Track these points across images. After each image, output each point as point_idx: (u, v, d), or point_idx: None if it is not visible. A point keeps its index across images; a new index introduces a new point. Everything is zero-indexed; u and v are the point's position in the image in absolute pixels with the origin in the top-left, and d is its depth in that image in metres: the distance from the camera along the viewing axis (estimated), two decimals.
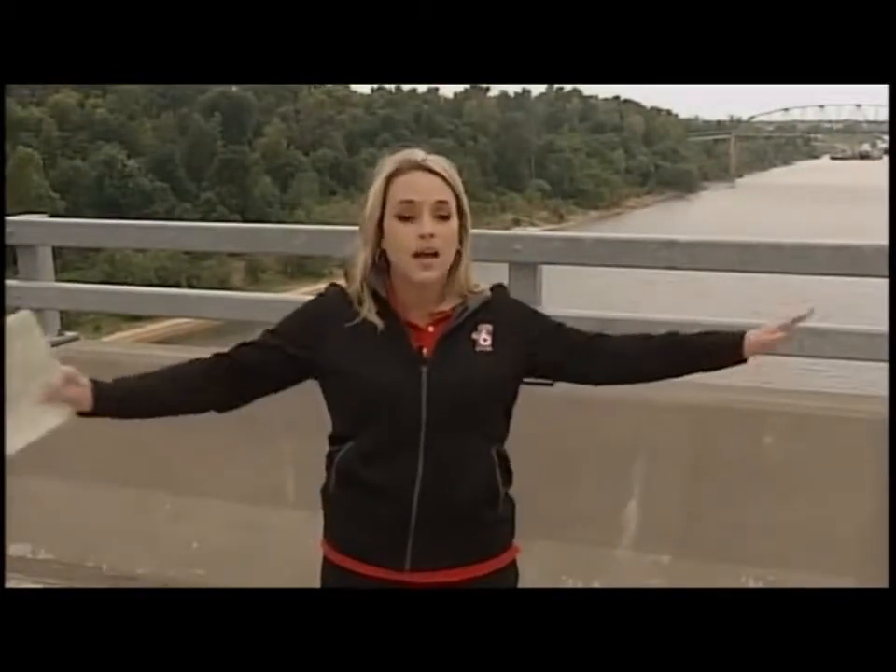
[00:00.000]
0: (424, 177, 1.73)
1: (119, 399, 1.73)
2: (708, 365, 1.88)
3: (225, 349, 1.84)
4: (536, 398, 3.43)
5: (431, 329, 1.77)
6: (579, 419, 3.44)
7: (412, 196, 1.72)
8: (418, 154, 1.76)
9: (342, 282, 1.83)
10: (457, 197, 1.76)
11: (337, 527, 1.85)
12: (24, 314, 1.63)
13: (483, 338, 1.79)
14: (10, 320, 1.60)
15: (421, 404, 1.73)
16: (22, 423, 1.58)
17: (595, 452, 3.40)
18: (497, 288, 1.86)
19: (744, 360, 1.83)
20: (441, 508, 1.75)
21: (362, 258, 1.77)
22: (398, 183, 1.73)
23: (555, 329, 1.88)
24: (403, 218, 1.72)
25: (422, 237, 1.71)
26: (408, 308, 1.78)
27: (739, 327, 3.40)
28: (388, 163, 1.76)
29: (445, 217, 1.73)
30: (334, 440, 1.83)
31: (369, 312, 1.75)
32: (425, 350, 1.75)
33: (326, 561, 1.87)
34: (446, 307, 1.79)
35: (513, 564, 1.88)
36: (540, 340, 1.85)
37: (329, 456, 1.83)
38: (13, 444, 1.57)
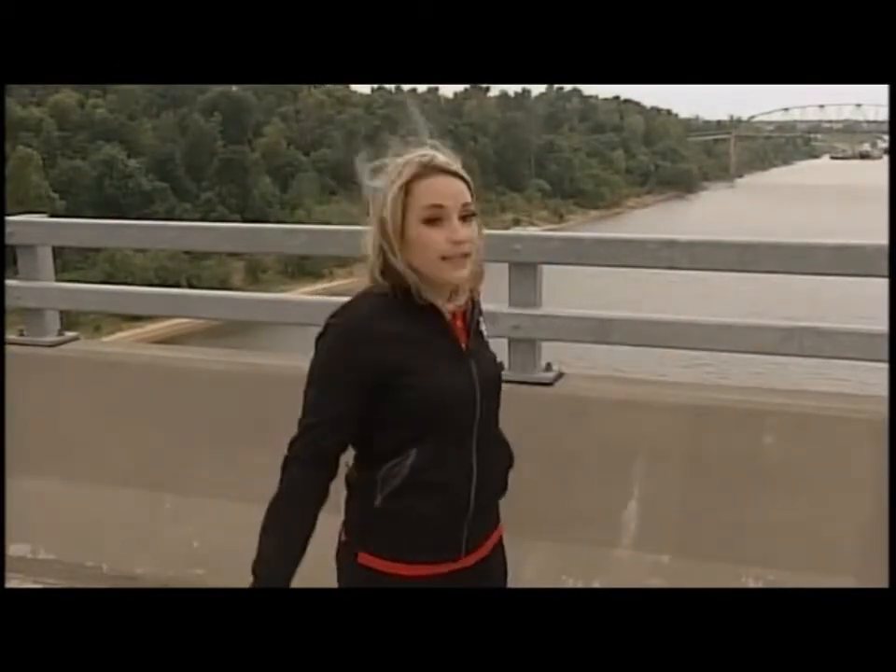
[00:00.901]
0: (448, 181, 1.70)
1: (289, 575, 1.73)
2: None
3: (317, 438, 1.74)
4: (536, 398, 3.46)
5: (459, 323, 1.79)
6: (579, 419, 3.44)
7: (440, 201, 1.69)
8: (438, 157, 1.71)
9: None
10: (474, 196, 1.75)
11: (388, 537, 1.77)
12: None
13: (485, 328, 1.87)
14: None
15: (476, 398, 1.77)
16: None
17: (594, 452, 3.40)
18: None
19: None
20: (490, 490, 1.83)
21: (395, 265, 1.70)
22: (420, 187, 1.69)
23: None
24: (430, 222, 1.69)
25: (455, 242, 1.69)
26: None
27: (739, 326, 3.44)
28: (405, 167, 1.70)
29: (469, 218, 1.72)
30: (383, 456, 1.74)
31: (417, 314, 1.73)
32: (463, 345, 1.78)
33: (373, 572, 1.77)
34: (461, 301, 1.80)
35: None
36: None
37: (379, 474, 1.74)
38: None
